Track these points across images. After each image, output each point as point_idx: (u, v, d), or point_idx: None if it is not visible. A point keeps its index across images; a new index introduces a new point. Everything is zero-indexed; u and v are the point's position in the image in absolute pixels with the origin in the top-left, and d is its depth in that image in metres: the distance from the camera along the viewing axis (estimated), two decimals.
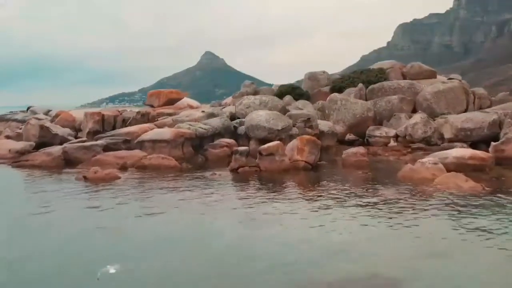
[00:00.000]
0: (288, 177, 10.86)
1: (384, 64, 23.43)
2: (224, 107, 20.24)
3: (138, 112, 16.35)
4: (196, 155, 13.62)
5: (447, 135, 14.38)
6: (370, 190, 9.10)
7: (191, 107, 29.75)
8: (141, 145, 13.12)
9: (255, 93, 22.22)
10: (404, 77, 22.73)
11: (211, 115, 16.10)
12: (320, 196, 8.70)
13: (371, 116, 17.92)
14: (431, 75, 22.33)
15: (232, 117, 17.62)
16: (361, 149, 12.61)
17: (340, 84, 21.31)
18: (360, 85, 19.89)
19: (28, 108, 33.67)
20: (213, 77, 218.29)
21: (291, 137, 14.63)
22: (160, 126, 14.65)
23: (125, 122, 15.80)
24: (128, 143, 13.59)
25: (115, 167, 11.80)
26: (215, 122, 14.96)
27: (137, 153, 12.57)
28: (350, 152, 12.54)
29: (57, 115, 19.64)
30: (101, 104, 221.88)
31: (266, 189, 9.50)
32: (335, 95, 18.69)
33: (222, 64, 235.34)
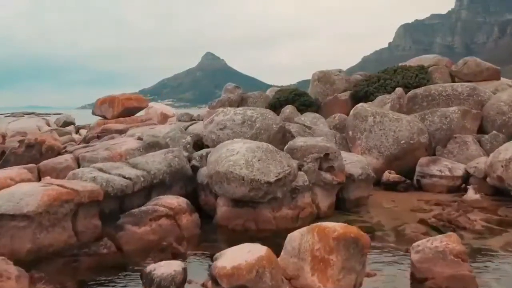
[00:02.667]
0: None
1: (425, 59, 16.13)
2: (194, 123, 13.02)
3: (21, 141, 8.75)
4: (102, 237, 6.45)
5: None
6: None
7: (165, 117, 22.72)
8: None
9: (242, 101, 15.06)
10: (452, 78, 15.60)
11: (154, 145, 8.87)
12: None
13: (424, 142, 10.74)
14: (493, 76, 15.14)
15: (200, 143, 10.49)
16: (452, 240, 5.37)
17: (365, 88, 14.08)
18: (399, 90, 12.69)
19: None
20: (214, 78, 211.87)
21: (295, 192, 7.50)
22: (43, 173, 7.42)
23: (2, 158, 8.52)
24: None
25: None
26: (155, 162, 7.77)
27: None
28: (428, 247, 5.32)
29: None
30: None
31: None
32: (363, 106, 11.47)
33: (223, 65, 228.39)
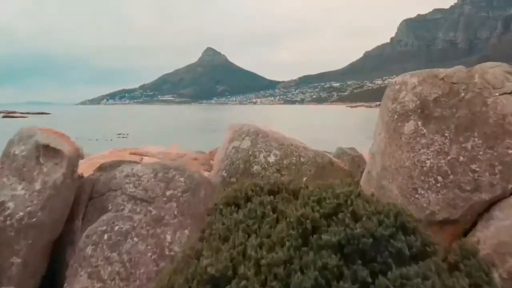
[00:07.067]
0: None
1: None
2: None
3: None
4: None
5: None
6: None
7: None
8: None
9: (91, 201, 3.69)
10: None
11: None
12: None
13: None
14: None
15: None
16: None
17: None
18: None
19: None
20: (215, 74, 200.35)
21: None
22: None
23: None
24: None
25: None
26: None
27: None
28: None
29: None
30: (101, 100, 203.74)
31: None
32: None
33: (224, 60, 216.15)
